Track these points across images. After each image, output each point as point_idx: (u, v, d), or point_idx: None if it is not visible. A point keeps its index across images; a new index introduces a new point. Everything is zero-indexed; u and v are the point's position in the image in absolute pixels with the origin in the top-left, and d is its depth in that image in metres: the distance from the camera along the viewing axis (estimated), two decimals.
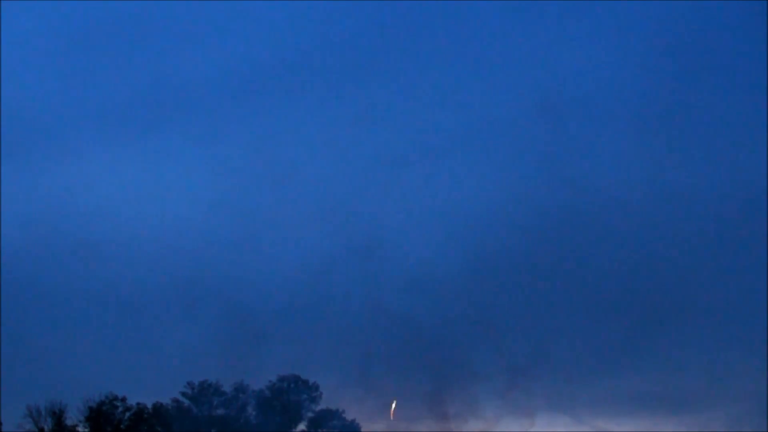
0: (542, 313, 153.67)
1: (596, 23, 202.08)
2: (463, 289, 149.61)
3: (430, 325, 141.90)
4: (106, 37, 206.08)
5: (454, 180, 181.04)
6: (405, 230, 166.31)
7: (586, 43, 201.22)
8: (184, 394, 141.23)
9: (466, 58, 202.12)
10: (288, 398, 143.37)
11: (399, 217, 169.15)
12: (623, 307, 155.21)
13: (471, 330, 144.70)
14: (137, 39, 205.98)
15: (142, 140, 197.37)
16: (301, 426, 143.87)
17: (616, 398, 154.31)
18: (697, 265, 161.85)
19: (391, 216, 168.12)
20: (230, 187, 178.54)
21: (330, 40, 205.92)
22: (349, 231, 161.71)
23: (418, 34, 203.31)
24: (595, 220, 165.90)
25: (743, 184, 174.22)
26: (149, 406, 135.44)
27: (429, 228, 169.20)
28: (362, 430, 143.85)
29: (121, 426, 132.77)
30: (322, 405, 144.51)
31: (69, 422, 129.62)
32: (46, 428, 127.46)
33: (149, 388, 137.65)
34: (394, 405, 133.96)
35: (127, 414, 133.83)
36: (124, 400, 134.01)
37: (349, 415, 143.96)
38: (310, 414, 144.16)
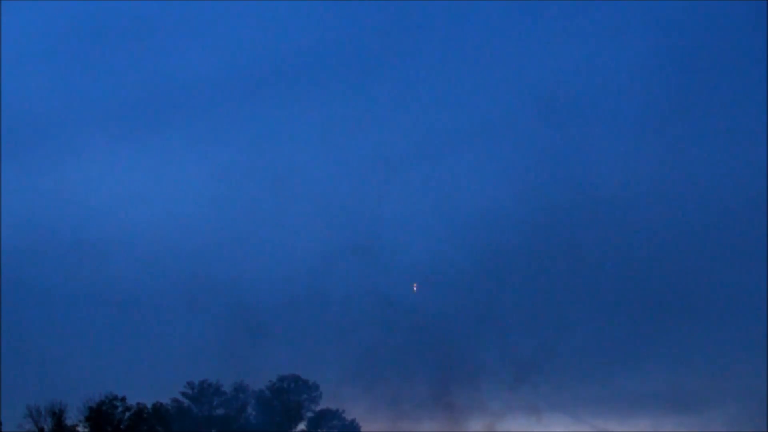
0: (545, 311, 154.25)
1: (597, 23, 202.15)
2: (467, 286, 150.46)
3: (435, 321, 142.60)
4: (106, 37, 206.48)
5: (454, 179, 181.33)
6: (405, 230, 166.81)
7: (587, 43, 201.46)
8: (184, 394, 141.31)
9: (466, 58, 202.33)
10: (288, 398, 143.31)
11: (399, 216, 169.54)
12: (623, 307, 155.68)
13: (476, 326, 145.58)
14: (138, 39, 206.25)
15: (143, 140, 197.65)
16: (301, 426, 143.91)
17: (616, 398, 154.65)
18: (697, 266, 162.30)
19: (391, 214, 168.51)
20: (230, 187, 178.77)
21: (330, 40, 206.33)
22: (349, 230, 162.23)
23: (418, 34, 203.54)
24: (597, 218, 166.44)
25: (743, 183, 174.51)
26: (149, 406, 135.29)
27: (430, 226, 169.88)
28: (362, 430, 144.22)
29: (121, 426, 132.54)
30: (322, 405, 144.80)
31: (69, 422, 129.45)
32: (46, 428, 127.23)
33: (149, 388, 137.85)
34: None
35: (127, 414, 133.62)
36: (123, 400, 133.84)
37: (349, 415, 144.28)
38: (310, 414, 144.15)
